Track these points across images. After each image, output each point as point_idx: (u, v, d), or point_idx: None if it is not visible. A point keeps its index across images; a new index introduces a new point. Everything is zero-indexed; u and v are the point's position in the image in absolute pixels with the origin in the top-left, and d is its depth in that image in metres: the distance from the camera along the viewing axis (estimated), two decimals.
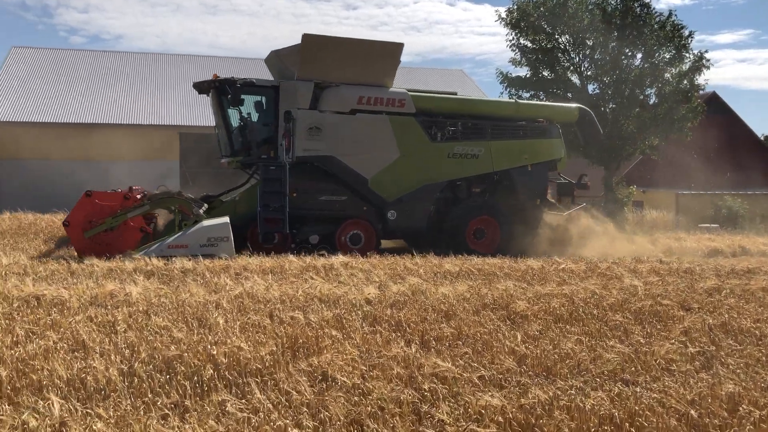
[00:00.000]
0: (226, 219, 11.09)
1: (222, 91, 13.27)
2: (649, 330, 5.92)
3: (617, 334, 5.73)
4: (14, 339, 4.91)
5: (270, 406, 3.77)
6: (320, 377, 4.33)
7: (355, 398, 3.92)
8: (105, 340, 4.91)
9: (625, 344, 5.33)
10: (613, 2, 25.79)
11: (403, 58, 14.64)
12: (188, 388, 4.01)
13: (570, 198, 16.02)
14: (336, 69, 13.69)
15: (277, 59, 14.19)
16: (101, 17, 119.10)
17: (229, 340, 4.89)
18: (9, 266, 8.24)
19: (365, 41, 14.28)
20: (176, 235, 10.63)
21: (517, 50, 27.21)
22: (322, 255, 10.28)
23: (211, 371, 4.26)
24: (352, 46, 14.03)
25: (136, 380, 4.13)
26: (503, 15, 26.99)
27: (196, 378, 4.19)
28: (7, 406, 3.68)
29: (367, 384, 4.16)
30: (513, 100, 16.24)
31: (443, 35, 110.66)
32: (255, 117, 13.84)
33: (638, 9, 25.47)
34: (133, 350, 4.67)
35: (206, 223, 10.90)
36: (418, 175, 14.10)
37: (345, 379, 4.21)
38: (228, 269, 8.48)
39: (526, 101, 16.56)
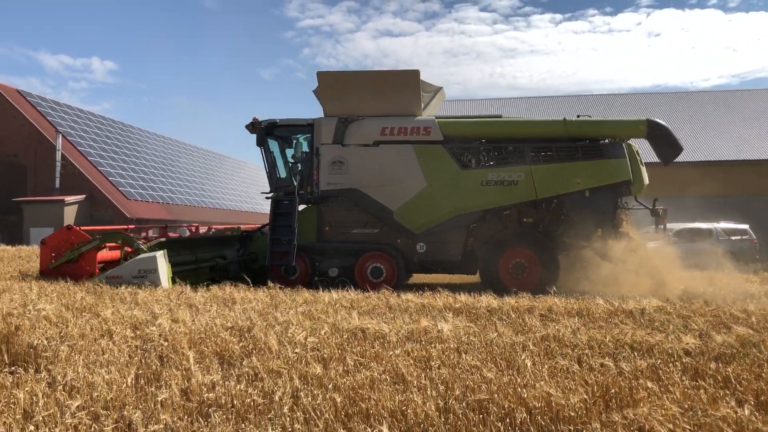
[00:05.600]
0: (155, 254, 11.55)
1: (257, 132, 14.06)
2: None
3: None
4: (345, 368, 5.46)
5: None
6: (637, 431, 4.07)
7: None
8: (421, 375, 5.21)
9: None
10: None
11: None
12: (501, 429, 4.06)
13: (661, 226, 13.63)
14: (357, 103, 13.67)
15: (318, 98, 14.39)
16: None
17: (538, 384, 4.85)
18: (338, 300, 9.22)
19: (379, 72, 14.04)
20: (116, 268, 11.70)
21: None
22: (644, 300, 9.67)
23: (524, 414, 4.26)
24: (366, 78, 13.88)
25: (451, 417, 4.30)
26: None
27: (508, 420, 4.23)
28: (342, 431, 4.10)
29: None
30: (561, 119, 13.73)
31: None
32: (294, 154, 14.43)
33: None
34: (447, 387, 4.88)
35: (138, 257, 11.64)
36: (448, 206, 13.40)
37: None
38: (533, 310, 8.45)
39: (576, 119, 13.76)
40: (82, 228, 12.70)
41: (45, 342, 6.04)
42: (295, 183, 13.98)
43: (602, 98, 40.58)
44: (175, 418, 4.30)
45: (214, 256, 14.28)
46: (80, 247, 11.99)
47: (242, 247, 15.25)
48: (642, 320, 7.89)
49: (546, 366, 5.51)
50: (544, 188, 13.12)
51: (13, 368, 5.51)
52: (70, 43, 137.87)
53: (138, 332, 6.65)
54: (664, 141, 13.51)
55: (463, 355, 5.86)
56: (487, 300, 9.15)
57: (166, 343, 6.17)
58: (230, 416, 4.37)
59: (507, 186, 13.16)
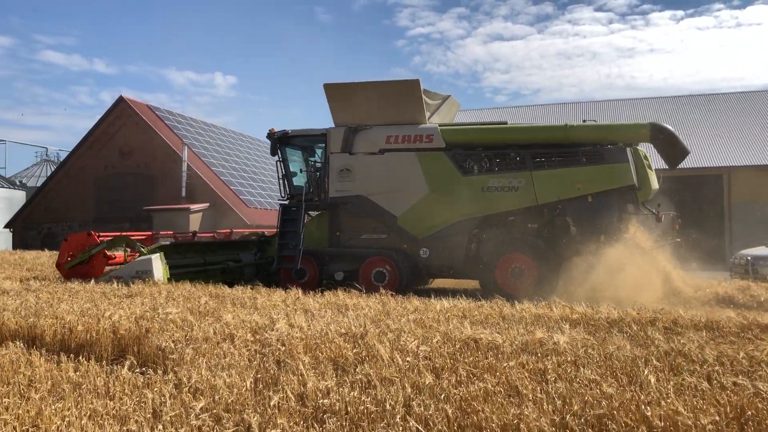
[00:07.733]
0: (150, 256, 12.22)
1: (271, 142, 14.84)
2: None
3: None
4: (457, 379, 5.39)
5: None
6: None
7: None
8: (536, 389, 5.05)
9: None
10: None
11: None
12: None
13: (674, 232, 13.57)
14: (364, 112, 13.99)
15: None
16: (521, 75, 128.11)
17: (663, 402, 4.59)
18: (450, 309, 9.15)
19: (381, 83, 14.22)
20: (117, 269, 12.55)
21: None
22: None
23: None
24: (369, 88, 14.19)
25: None
26: None
27: None
28: None
29: None
30: (563, 125, 13.74)
31: None
32: (308, 163, 15.09)
33: None
34: (564, 402, 4.71)
35: (136, 259, 12.43)
36: (450, 212, 13.58)
37: None
38: (656, 322, 8.02)
39: (578, 124, 13.69)
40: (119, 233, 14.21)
41: (172, 344, 6.39)
42: (307, 191, 14.72)
43: (726, 96, 38.12)
44: (291, 423, 4.40)
45: (226, 259, 14.94)
46: (90, 250, 13.06)
47: (259, 252, 15.89)
48: None
49: (671, 383, 5.20)
50: (544, 194, 13.10)
51: (143, 369, 5.87)
52: (196, 61, 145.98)
53: (257, 336, 6.89)
54: (668, 145, 13.12)
55: (581, 369, 5.64)
56: (607, 311, 8.75)
57: (283, 348, 6.35)
58: (344, 423, 4.43)
59: (507, 192, 13.26)
